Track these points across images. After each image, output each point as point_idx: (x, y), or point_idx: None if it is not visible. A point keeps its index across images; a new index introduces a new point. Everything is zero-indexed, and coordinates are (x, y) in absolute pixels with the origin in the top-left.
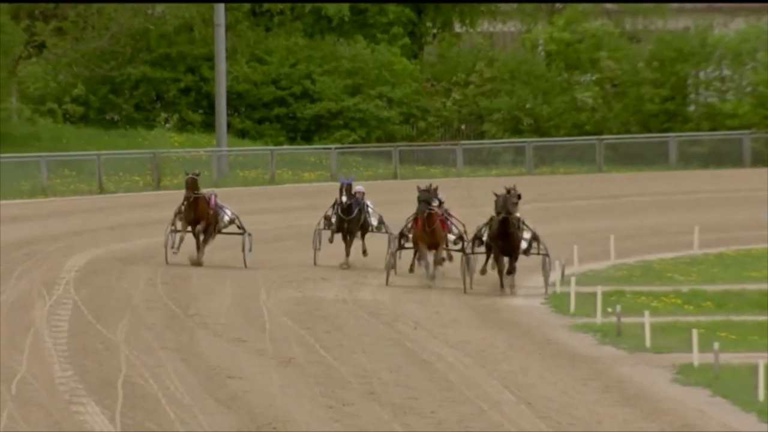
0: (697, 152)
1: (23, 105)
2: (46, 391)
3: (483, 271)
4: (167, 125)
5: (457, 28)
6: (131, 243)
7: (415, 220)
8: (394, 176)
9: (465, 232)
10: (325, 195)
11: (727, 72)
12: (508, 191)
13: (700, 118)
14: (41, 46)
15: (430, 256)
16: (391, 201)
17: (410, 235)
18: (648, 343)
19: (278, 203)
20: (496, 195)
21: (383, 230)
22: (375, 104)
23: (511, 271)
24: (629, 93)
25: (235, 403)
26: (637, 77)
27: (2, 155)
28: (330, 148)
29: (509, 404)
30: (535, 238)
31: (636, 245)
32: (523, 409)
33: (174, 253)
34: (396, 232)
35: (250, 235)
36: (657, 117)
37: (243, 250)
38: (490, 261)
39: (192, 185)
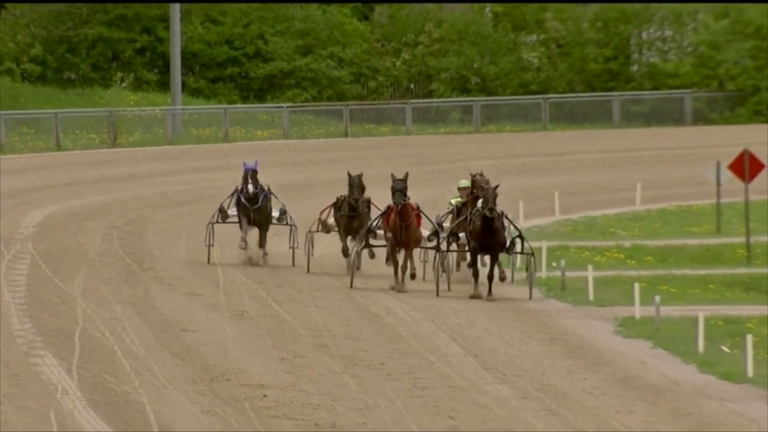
0: (639, 111)
1: None
2: (4, 344)
3: (458, 267)
4: (123, 84)
5: None
6: (88, 199)
7: (387, 213)
8: (345, 134)
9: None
10: (277, 152)
11: (668, 32)
12: (476, 176)
13: (643, 78)
14: None
15: (401, 259)
16: (341, 159)
17: (379, 231)
18: (591, 296)
19: (232, 160)
20: (473, 177)
21: (285, 221)
22: (326, 64)
23: (491, 276)
24: (574, 53)
25: (189, 355)
26: (582, 38)
27: None
28: (282, 107)
29: (457, 356)
30: (519, 235)
31: (580, 201)
32: (470, 361)
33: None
34: (298, 224)
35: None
36: (600, 76)
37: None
38: (467, 260)
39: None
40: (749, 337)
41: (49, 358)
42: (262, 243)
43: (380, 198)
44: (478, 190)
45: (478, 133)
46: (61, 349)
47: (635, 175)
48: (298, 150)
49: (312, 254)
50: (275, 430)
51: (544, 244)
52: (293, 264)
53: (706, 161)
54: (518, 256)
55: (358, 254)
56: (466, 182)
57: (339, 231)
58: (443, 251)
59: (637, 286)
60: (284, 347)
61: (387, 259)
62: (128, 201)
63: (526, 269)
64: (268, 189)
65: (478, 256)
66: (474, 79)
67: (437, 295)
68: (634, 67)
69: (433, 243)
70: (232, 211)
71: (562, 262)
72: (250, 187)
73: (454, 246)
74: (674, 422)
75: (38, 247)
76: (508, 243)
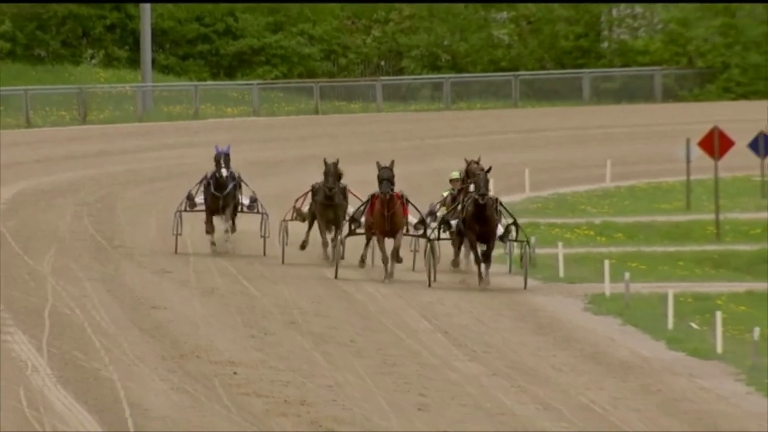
0: (609, 88)
1: None
2: None
3: (456, 264)
4: (93, 61)
5: None
6: (58, 176)
7: (371, 202)
8: (315, 112)
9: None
10: (247, 129)
11: (639, 9)
12: (471, 163)
13: (613, 55)
14: None
15: (389, 250)
16: (312, 136)
17: (362, 220)
18: (561, 273)
19: (202, 138)
20: (468, 163)
21: (255, 209)
22: (296, 41)
23: (486, 260)
24: (544, 30)
25: (159, 332)
26: (552, 14)
27: None
28: (252, 84)
29: (426, 333)
30: (513, 223)
31: (550, 178)
32: (439, 337)
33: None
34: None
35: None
36: (571, 53)
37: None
38: (462, 250)
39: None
40: (718, 314)
41: (19, 335)
42: (230, 232)
43: (356, 182)
44: (471, 177)
45: (448, 110)
46: (30, 326)
47: (605, 152)
48: (268, 127)
49: (287, 243)
50: (245, 407)
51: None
52: (264, 254)
53: (675, 138)
54: (514, 243)
55: (342, 243)
56: (457, 173)
57: (318, 221)
58: (432, 239)
59: (606, 263)
60: (254, 324)
61: (361, 262)
62: (98, 178)
63: (521, 258)
64: (239, 176)
65: (471, 244)
66: (444, 56)
67: (429, 285)
68: (605, 45)
69: (420, 231)
70: (200, 199)
71: (533, 239)
72: (224, 171)
73: (446, 234)
74: (643, 398)
75: (8, 224)
76: (502, 230)
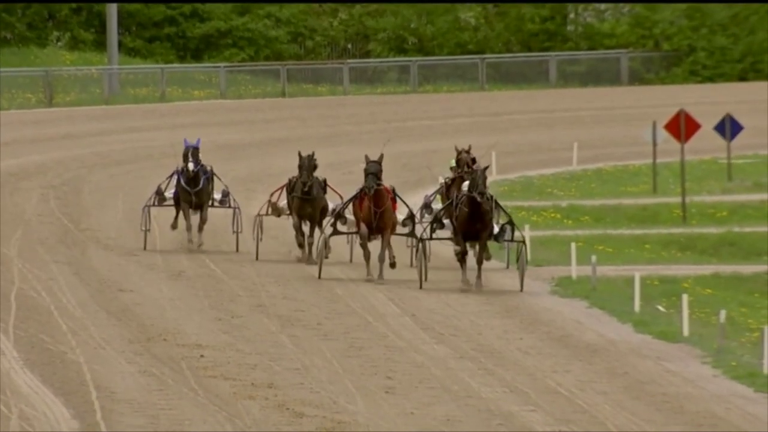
0: (576, 71)
1: None
2: None
3: (461, 258)
4: (59, 44)
5: None
6: (24, 159)
7: (359, 198)
8: (282, 94)
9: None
10: (214, 112)
11: None
12: (462, 153)
13: (579, 38)
14: None
15: (379, 248)
16: (279, 119)
17: (349, 217)
18: (528, 256)
19: (169, 120)
20: (458, 152)
21: (228, 204)
22: (263, 24)
23: (480, 260)
24: (510, 13)
25: (125, 315)
26: None
27: None
28: (219, 67)
29: (394, 316)
30: (509, 222)
31: (517, 161)
32: (407, 321)
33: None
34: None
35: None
36: (537, 36)
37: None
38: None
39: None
40: (685, 297)
41: None
42: (200, 227)
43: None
44: (462, 168)
45: (415, 93)
46: None
47: (572, 135)
48: (235, 110)
49: (261, 239)
50: (212, 389)
51: None
52: (237, 249)
53: (642, 121)
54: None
55: (326, 241)
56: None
57: (292, 215)
58: (424, 239)
59: (573, 246)
60: (221, 307)
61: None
62: (65, 161)
63: (516, 259)
64: (211, 170)
65: (459, 244)
66: (411, 39)
67: (420, 287)
68: (571, 28)
69: (408, 228)
70: (170, 193)
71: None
72: (191, 165)
73: (437, 233)
74: (610, 381)
75: None
76: (496, 230)
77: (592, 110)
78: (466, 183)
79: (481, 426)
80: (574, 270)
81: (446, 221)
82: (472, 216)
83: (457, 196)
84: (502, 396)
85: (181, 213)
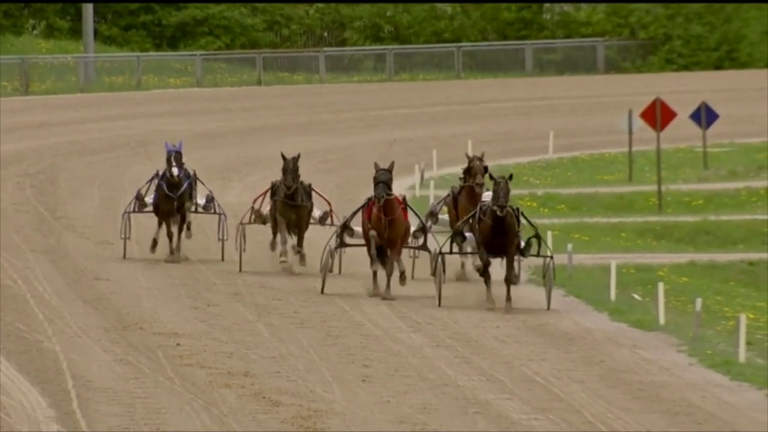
0: (552, 59)
1: None
2: None
3: (483, 271)
4: (35, 32)
5: None
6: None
7: (368, 207)
8: (258, 83)
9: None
10: (190, 100)
11: None
12: (474, 160)
13: (555, 26)
14: None
15: (387, 264)
16: (255, 107)
17: (357, 229)
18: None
19: (145, 109)
20: (468, 159)
21: (212, 210)
22: (239, 12)
23: (509, 280)
24: (486, 1)
25: (102, 303)
26: None
27: None
28: (195, 55)
29: (370, 304)
30: (535, 235)
31: (493, 150)
32: (383, 310)
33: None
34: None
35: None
36: (513, 25)
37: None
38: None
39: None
40: (661, 285)
41: None
42: (180, 231)
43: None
44: (474, 177)
45: (391, 82)
46: None
47: (548, 124)
48: (211, 98)
49: (244, 249)
50: (188, 378)
51: None
52: (223, 258)
53: (618, 110)
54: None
55: (332, 254)
56: None
57: (272, 221)
58: (444, 253)
59: (549, 234)
60: (198, 296)
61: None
62: (41, 149)
63: (543, 275)
64: (194, 174)
65: (483, 261)
66: (387, 27)
67: (439, 305)
68: (547, 16)
69: (420, 241)
70: (150, 199)
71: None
72: (175, 170)
73: (457, 247)
74: (586, 370)
75: None
76: (522, 244)
77: (568, 99)
78: (488, 193)
79: (458, 414)
80: None
81: (468, 234)
82: (495, 229)
83: (480, 209)
84: (479, 384)
85: (162, 226)
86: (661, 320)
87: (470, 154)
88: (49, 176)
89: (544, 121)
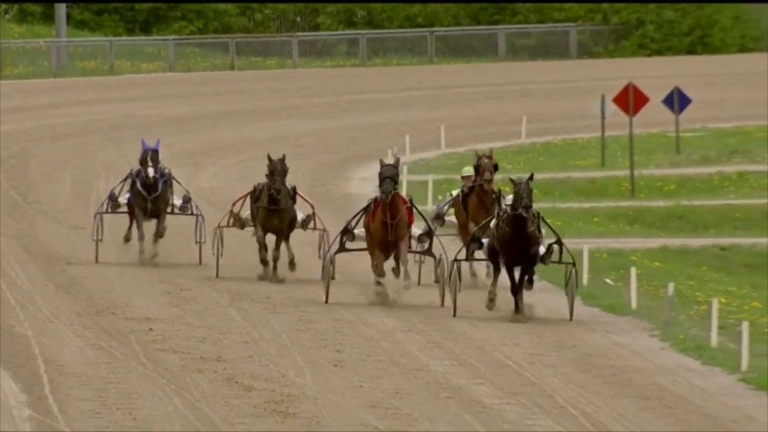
0: (525, 44)
1: None
2: None
3: (491, 296)
4: (7, 16)
5: None
6: None
7: (373, 207)
8: (231, 67)
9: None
10: (163, 85)
11: None
12: (483, 158)
13: (528, 11)
14: None
15: (395, 267)
16: (228, 92)
17: (357, 231)
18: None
19: (117, 93)
20: (477, 157)
21: (189, 210)
22: None
23: (528, 286)
24: None
25: (74, 288)
26: None
27: None
28: (168, 40)
29: (342, 290)
30: (557, 241)
31: (466, 135)
32: (355, 294)
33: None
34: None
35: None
36: (486, 10)
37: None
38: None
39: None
40: (633, 270)
41: None
42: (158, 236)
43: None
44: (482, 175)
45: (364, 67)
46: None
47: (521, 109)
48: (184, 83)
49: (221, 254)
50: (161, 363)
51: (431, 177)
52: (200, 262)
53: (591, 95)
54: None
55: (332, 261)
56: (470, 170)
57: (255, 228)
58: (460, 260)
59: None
60: (170, 281)
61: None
62: (13, 134)
63: (566, 283)
64: (170, 174)
65: (507, 269)
66: (360, 12)
67: (454, 315)
68: (520, 1)
69: (425, 245)
70: (124, 199)
71: (448, 195)
72: (150, 171)
73: (475, 254)
74: (558, 354)
75: None
76: (543, 250)
77: (540, 83)
78: (510, 197)
79: (430, 399)
80: None
81: (485, 240)
82: (515, 237)
83: (498, 214)
84: (451, 369)
85: (134, 223)
86: (633, 305)
87: (442, 138)
88: (21, 161)
89: (516, 106)
